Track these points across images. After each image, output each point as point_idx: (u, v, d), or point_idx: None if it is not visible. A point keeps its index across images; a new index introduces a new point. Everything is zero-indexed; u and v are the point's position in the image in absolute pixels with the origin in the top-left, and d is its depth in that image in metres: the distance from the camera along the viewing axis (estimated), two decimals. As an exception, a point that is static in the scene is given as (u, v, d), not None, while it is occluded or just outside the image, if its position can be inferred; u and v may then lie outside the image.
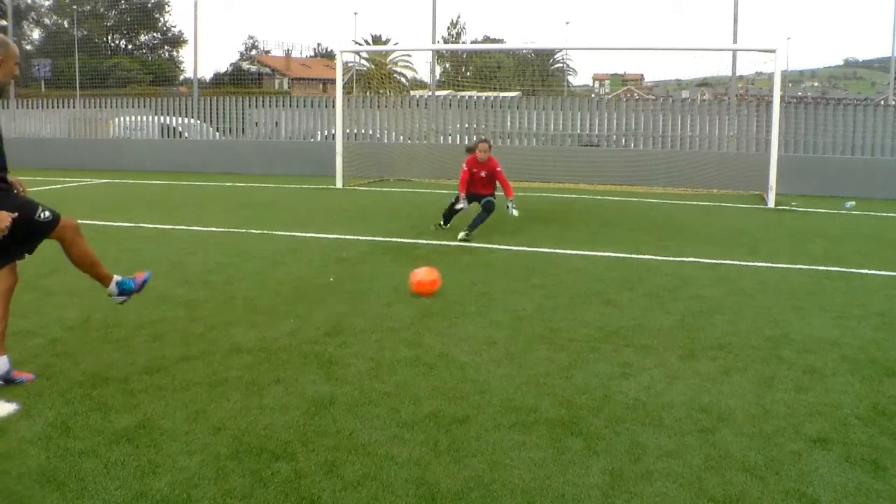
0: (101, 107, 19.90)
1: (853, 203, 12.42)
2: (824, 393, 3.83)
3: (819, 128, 15.17)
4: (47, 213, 3.71)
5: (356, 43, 50.05)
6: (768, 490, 2.83)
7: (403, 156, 16.67)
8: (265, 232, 8.68)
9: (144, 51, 49.50)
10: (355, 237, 8.41)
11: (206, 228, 8.92)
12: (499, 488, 2.81)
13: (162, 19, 50.23)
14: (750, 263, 7.25)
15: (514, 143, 16.87)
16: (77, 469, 2.89)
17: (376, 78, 23.94)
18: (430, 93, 19.05)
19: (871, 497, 2.80)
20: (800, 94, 72.97)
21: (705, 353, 4.44)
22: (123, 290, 4.08)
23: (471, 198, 8.56)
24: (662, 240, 8.60)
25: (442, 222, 8.93)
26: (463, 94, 20.95)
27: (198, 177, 16.23)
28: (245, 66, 50.67)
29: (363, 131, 17.61)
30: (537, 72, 40.96)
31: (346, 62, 20.70)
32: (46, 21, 48.34)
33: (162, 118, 19.35)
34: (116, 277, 4.06)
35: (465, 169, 8.51)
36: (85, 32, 39.90)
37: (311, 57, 58.84)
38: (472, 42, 55.87)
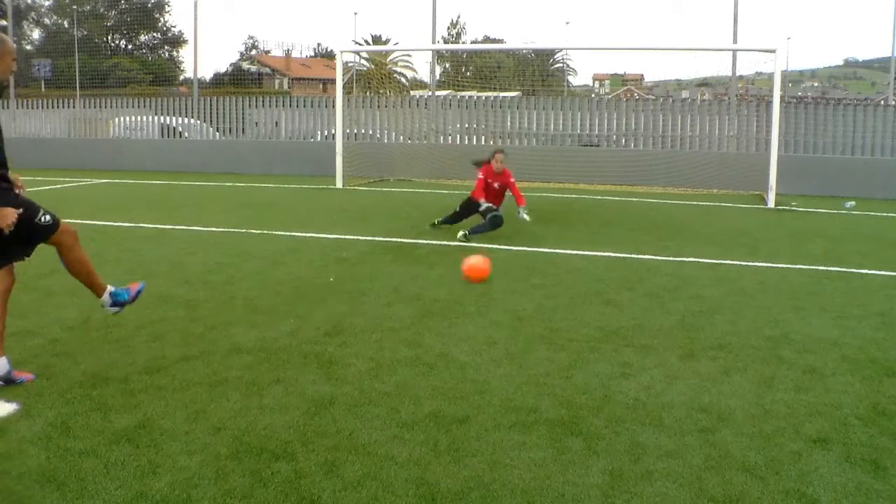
0: (101, 107, 19.91)
1: (853, 203, 12.42)
2: (824, 393, 3.83)
3: (819, 128, 15.17)
4: (48, 217, 3.70)
5: (356, 43, 50.07)
6: (768, 490, 2.83)
7: (403, 156, 16.67)
8: (265, 232, 8.68)
9: (144, 51, 49.51)
10: (355, 237, 8.41)
11: (206, 228, 8.92)
12: (499, 488, 2.81)
13: (162, 19, 50.29)
14: (750, 263, 7.25)
15: (514, 143, 16.86)
16: (77, 469, 2.89)
17: (376, 78, 23.94)
18: (430, 93, 19.05)
19: (871, 497, 2.80)
20: (800, 94, 72.99)
21: (705, 353, 4.44)
22: (117, 301, 4.06)
23: (475, 207, 8.46)
24: (662, 240, 8.60)
25: (437, 221, 8.93)
26: (463, 94, 20.95)
27: (198, 177, 16.23)
28: (245, 66, 50.67)
29: (363, 131, 17.61)
30: (537, 72, 40.97)
31: (346, 62, 20.71)
32: (46, 21, 48.40)
33: (162, 118, 19.35)
34: (110, 288, 4.04)
35: (482, 177, 8.42)
36: (85, 32, 39.91)
37: (311, 57, 58.86)
38: (472, 42, 55.89)
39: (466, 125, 17.22)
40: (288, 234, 8.62)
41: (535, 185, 15.02)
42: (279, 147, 17.93)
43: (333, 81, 15.68)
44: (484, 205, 8.35)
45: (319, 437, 3.21)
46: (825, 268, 7.10)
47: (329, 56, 53.04)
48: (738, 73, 17.77)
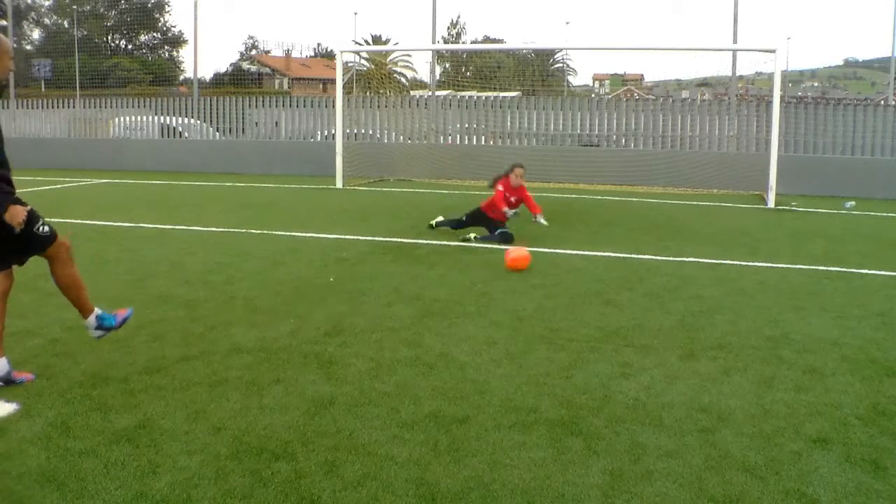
0: (101, 107, 19.91)
1: (853, 203, 12.42)
2: (824, 393, 3.83)
3: (819, 128, 15.17)
4: (46, 228, 3.69)
5: (356, 43, 50.08)
6: (768, 490, 2.83)
7: (403, 156, 16.67)
8: (265, 232, 8.68)
9: (144, 51, 49.52)
10: (355, 237, 8.41)
11: (206, 228, 8.92)
12: (499, 488, 2.81)
13: (162, 19, 50.30)
14: (750, 263, 7.25)
15: (514, 143, 16.87)
16: (77, 469, 2.89)
17: (376, 78, 23.95)
18: (430, 93, 19.06)
19: (871, 497, 2.80)
20: (800, 94, 72.98)
21: (705, 353, 4.44)
22: (102, 325, 3.96)
23: (487, 222, 8.37)
24: (662, 240, 8.61)
25: (434, 223, 8.90)
26: (463, 94, 20.95)
27: (198, 177, 16.24)
28: (245, 66, 50.68)
29: (363, 131, 17.61)
30: (537, 72, 40.96)
31: (346, 62, 20.71)
32: (46, 21, 48.40)
33: (162, 118, 19.36)
34: (97, 311, 3.95)
35: (502, 190, 8.31)
36: (85, 32, 39.92)
37: (311, 57, 58.86)
38: (472, 42, 55.89)
39: (466, 125, 17.22)
40: (288, 234, 8.62)
41: (535, 185, 14.98)
42: (279, 147, 17.94)
43: (333, 81, 15.68)
44: (509, 214, 8.29)
45: (319, 437, 3.21)
46: (825, 268, 7.10)
47: (329, 56, 53.05)
48: (738, 73, 17.79)
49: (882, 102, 18.99)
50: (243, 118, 18.77)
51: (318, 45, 78.66)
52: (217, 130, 19.08)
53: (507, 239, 8.11)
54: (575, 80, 56.83)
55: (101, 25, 42.84)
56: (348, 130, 16.12)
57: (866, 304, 5.69)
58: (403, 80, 38.95)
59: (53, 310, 5.12)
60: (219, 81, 40.62)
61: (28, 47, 41.99)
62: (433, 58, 21.43)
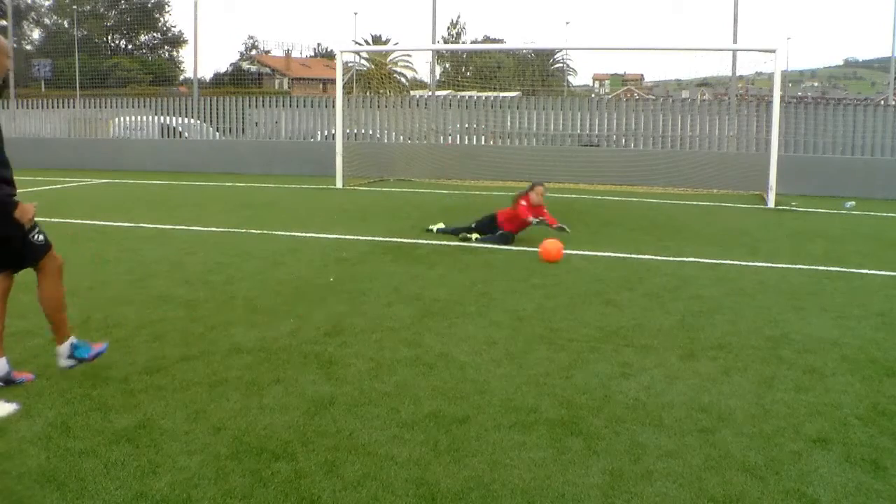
0: (101, 107, 19.91)
1: (853, 203, 12.42)
2: (824, 393, 3.83)
3: (819, 128, 15.17)
4: (41, 237, 3.64)
5: (356, 43, 50.07)
6: (768, 490, 2.83)
7: (403, 156, 16.67)
8: (265, 232, 8.68)
9: (144, 51, 49.52)
10: (355, 237, 8.41)
11: (206, 228, 8.93)
12: (499, 488, 2.81)
13: (162, 19, 50.30)
14: (750, 263, 7.25)
15: (514, 143, 16.88)
16: (77, 469, 2.89)
17: (376, 78, 23.95)
18: (430, 93, 19.06)
19: (871, 497, 2.80)
20: (800, 94, 72.97)
21: (705, 353, 4.44)
22: (74, 355, 3.82)
23: (495, 229, 8.27)
24: (662, 240, 8.61)
25: (435, 229, 8.81)
26: (463, 94, 20.95)
27: (198, 177, 16.24)
28: (245, 66, 50.68)
29: (363, 131, 17.61)
30: (537, 72, 40.97)
31: (346, 62, 20.71)
32: (46, 21, 48.41)
33: (162, 118, 19.36)
34: (73, 339, 3.83)
35: (525, 205, 8.13)
36: (85, 32, 39.92)
37: (311, 57, 58.86)
38: (472, 42, 55.88)
39: (466, 125, 17.22)
40: (288, 234, 8.62)
41: (535, 185, 15.01)
42: (279, 147, 17.94)
43: (333, 81, 15.68)
44: (534, 223, 8.17)
45: (319, 437, 3.21)
46: (825, 268, 7.10)
47: (329, 56, 53.04)
48: (738, 73, 17.79)
49: (882, 102, 18.99)
50: (243, 118, 18.77)
51: (318, 45, 78.69)
52: (217, 130, 19.08)
53: (507, 240, 8.11)
54: (575, 80, 56.86)
55: (101, 25, 42.85)
56: (348, 130, 16.12)
57: (866, 304, 5.69)
58: (403, 80, 38.96)
59: (53, 310, 5.12)
60: (219, 81, 40.63)
61: (28, 47, 42.01)
62: (433, 58, 21.44)
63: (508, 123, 16.95)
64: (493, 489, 2.80)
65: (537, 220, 8.10)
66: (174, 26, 51.86)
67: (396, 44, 49.29)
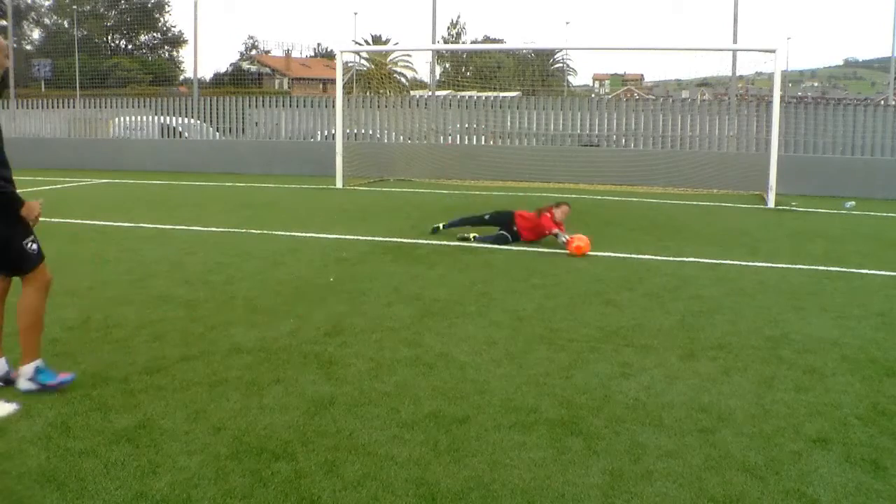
0: (101, 107, 19.92)
1: (853, 203, 12.42)
2: (824, 393, 3.83)
3: (819, 128, 15.18)
4: (35, 247, 3.59)
5: (356, 43, 50.06)
6: (768, 490, 2.83)
7: (403, 156, 16.68)
8: (265, 232, 8.68)
9: (144, 51, 49.50)
10: (355, 237, 8.41)
11: (206, 228, 8.93)
12: (499, 488, 2.81)
13: (162, 19, 50.28)
14: (750, 263, 7.25)
15: (514, 143, 16.88)
16: (77, 469, 2.89)
17: (376, 78, 23.95)
18: (430, 93, 19.06)
19: (871, 497, 2.80)
20: (800, 94, 72.93)
21: (705, 353, 4.44)
22: (37, 379, 3.60)
23: (504, 228, 8.24)
24: (662, 240, 8.61)
25: (442, 225, 8.85)
26: (463, 94, 20.95)
27: (198, 177, 16.24)
28: (245, 66, 50.67)
29: (363, 131, 17.62)
30: (537, 72, 40.98)
31: (346, 62, 20.71)
32: (46, 21, 48.39)
33: (162, 118, 19.36)
34: (39, 363, 3.63)
35: (549, 216, 8.09)
36: (85, 32, 39.91)
37: (311, 57, 58.84)
38: (472, 42, 55.87)
39: (466, 125, 17.22)
40: (288, 234, 8.62)
41: (535, 185, 15.03)
42: (279, 147, 17.94)
43: (333, 81, 15.69)
44: (560, 237, 8.15)
45: (319, 437, 3.21)
46: (825, 268, 7.10)
47: (329, 56, 53.03)
48: (738, 73, 17.79)
49: (882, 102, 18.99)
50: (243, 118, 18.77)
51: (318, 45, 78.64)
52: (217, 130, 19.08)
53: (504, 240, 8.10)
54: (575, 80, 56.83)
55: (101, 25, 42.83)
56: (348, 130, 16.12)
57: (866, 304, 5.69)
58: (403, 80, 38.95)
59: (53, 310, 5.10)
60: (219, 81, 40.62)
61: (28, 47, 41.99)
62: (433, 58, 21.44)
63: (508, 123, 16.95)
64: (493, 489, 2.80)
65: (564, 238, 7.87)
66: (174, 26, 51.89)
67: (396, 44, 49.30)
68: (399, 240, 8.25)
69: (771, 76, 13.65)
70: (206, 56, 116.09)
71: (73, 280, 6.01)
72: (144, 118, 19.63)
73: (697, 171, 14.88)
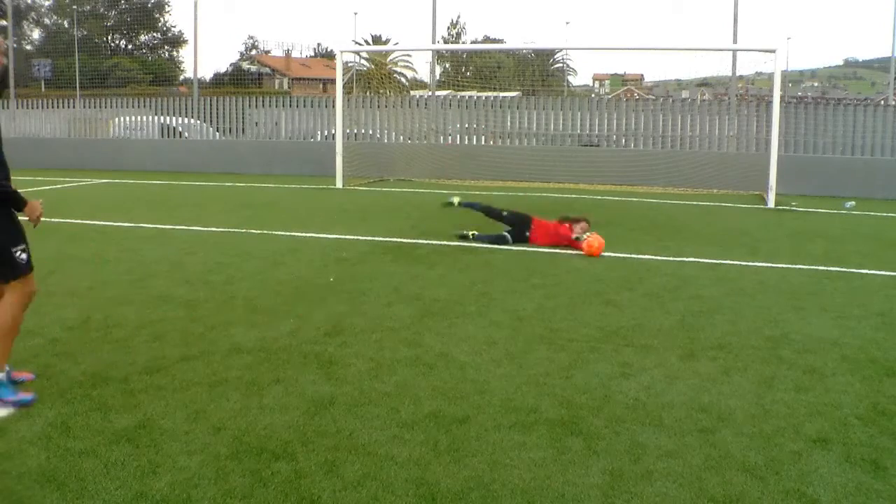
0: (101, 107, 19.91)
1: (853, 203, 12.42)
2: (824, 393, 3.83)
3: (819, 128, 15.17)
4: (24, 256, 3.54)
5: (356, 43, 50.06)
6: (768, 490, 2.83)
7: (403, 156, 16.68)
8: (265, 232, 8.68)
9: (144, 51, 49.49)
10: (355, 237, 8.41)
11: (206, 228, 8.93)
12: (499, 488, 2.81)
13: (162, 19, 50.25)
14: (750, 263, 7.25)
15: (514, 143, 16.88)
16: (77, 469, 2.89)
17: (376, 78, 23.96)
18: (430, 93, 19.06)
19: (871, 497, 2.80)
20: (800, 94, 72.89)
21: (705, 353, 4.44)
22: None
23: (515, 229, 8.21)
24: (662, 240, 8.61)
25: (457, 202, 9.01)
26: (463, 94, 20.95)
27: (198, 177, 16.24)
28: (245, 66, 50.66)
29: (363, 131, 17.62)
30: (537, 72, 40.97)
31: (346, 62, 20.71)
32: (46, 21, 48.38)
33: (162, 118, 19.36)
34: (2, 375, 3.50)
35: (567, 227, 8.03)
36: (85, 32, 39.88)
37: (311, 57, 58.82)
38: (472, 42, 55.85)
39: (466, 125, 17.22)
40: (288, 234, 8.62)
41: (535, 185, 15.03)
42: (279, 147, 17.94)
43: (333, 81, 15.69)
44: (506, 232, 8.17)
45: (319, 437, 3.21)
46: (825, 268, 7.10)
47: (329, 56, 53.00)
48: (738, 73, 17.78)
49: (882, 102, 18.98)
50: (243, 118, 18.77)
51: (318, 45, 78.59)
52: (217, 130, 19.08)
53: (503, 240, 8.09)
54: (575, 80, 56.78)
55: (101, 25, 42.81)
56: (348, 130, 16.12)
57: (866, 304, 5.69)
58: (403, 80, 38.94)
59: (53, 310, 5.12)
60: (219, 81, 40.62)
61: (28, 47, 41.98)
62: (433, 58, 21.43)
63: (508, 123, 16.95)
64: (493, 489, 2.80)
65: (584, 237, 7.79)
66: (174, 26, 51.86)
67: (396, 44, 49.28)
68: (399, 240, 8.25)
69: (771, 76, 13.65)
70: (206, 56, 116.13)
71: (73, 280, 6.01)
72: (144, 118, 19.63)
73: (697, 171, 14.87)
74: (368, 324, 4.94)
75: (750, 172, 14.11)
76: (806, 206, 12.36)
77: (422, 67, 73.73)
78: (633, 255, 7.57)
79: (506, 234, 8.16)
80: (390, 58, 39.32)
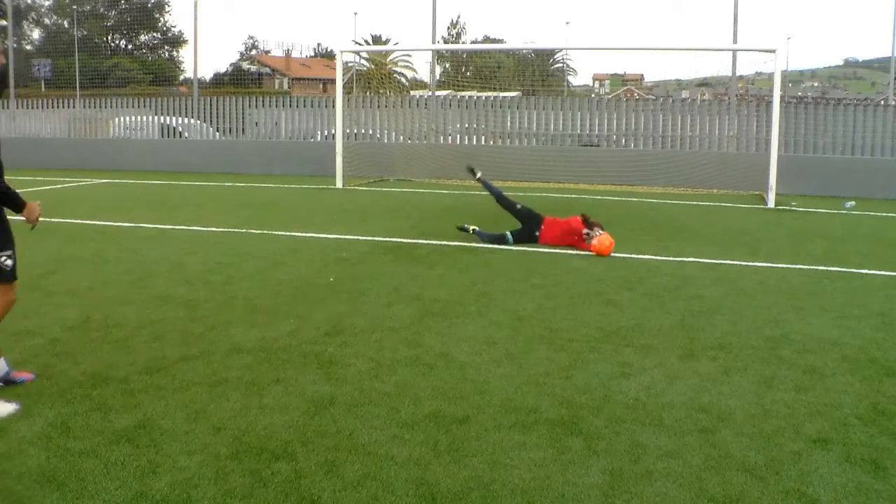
0: (101, 107, 19.91)
1: (853, 203, 12.42)
2: (824, 393, 3.83)
3: (819, 128, 15.17)
4: (10, 263, 3.54)
5: (356, 43, 50.05)
6: (768, 490, 2.83)
7: (403, 156, 16.67)
8: (265, 232, 8.68)
9: (144, 51, 49.48)
10: (355, 237, 8.41)
11: (206, 228, 8.93)
12: (499, 488, 2.81)
13: (162, 19, 50.24)
14: (750, 263, 7.25)
15: (514, 143, 16.88)
16: (77, 469, 2.89)
17: (376, 78, 23.96)
18: (430, 93, 19.06)
19: (871, 497, 2.80)
20: (800, 94, 72.84)
21: (705, 353, 4.44)
22: None
23: (524, 226, 8.21)
24: (662, 240, 8.61)
25: (475, 170, 9.02)
26: (463, 94, 20.95)
27: (198, 177, 16.24)
28: (245, 66, 50.66)
29: (363, 131, 17.61)
30: (537, 72, 40.97)
31: (346, 62, 20.72)
32: (46, 21, 48.38)
33: (162, 118, 19.35)
34: None
35: (581, 219, 7.95)
36: (85, 32, 39.89)
37: (311, 57, 58.81)
38: (472, 42, 55.84)
39: (466, 125, 17.22)
40: (288, 234, 8.62)
41: (535, 185, 15.02)
42: (279, 147, 17.93)
43: (333, 81, 15.68)
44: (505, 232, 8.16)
45: (319, 437, 3.21)
46: (825, 268, 7.10)
47: (329, 56, 53.00)
48: (738, 73, 17.77)
49: (882, 102, 18.98)
50: (243, 118, 18.77)
51: (318, 45, 78.56)
52: (217, 130, 19.08)
53: (503, 240, 8.10)
54: (575, 80, 56.73)
55: (101, 25, 42.81)
56: (348, 130, 16.12)
57: (866, 304, 5.69)
58: (403, 80, 38.94)
59: (53, 310, 5.13)
60: (219, 81, 40.62)
61: (28, 47, 41.99)
62: (433, 58, 21.43)
63: (508, 123, 16.95)
64: (493, 489, 2.80)
65: (595, 234, 7.75)
66: (174, 26, 51.84)
67: (396, 44, 49.27)
68: (399, 240, 8.25)
69: (771, 76, 13.65)
70: (206, 56, 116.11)
71: (73, 280, 6.01)
72: (144, 118, 19.62)
73: (697, 171, 14.87)
74: (368, 324, 4.94)
75: (750, 172, 14.11)
76: (806, 206, 12.36)
77: (422, 67, 73.71)
78: (633, 255, 7.56)
79: (507, 234, 8.15)
80: (390, 58, 39.33)
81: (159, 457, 3.00)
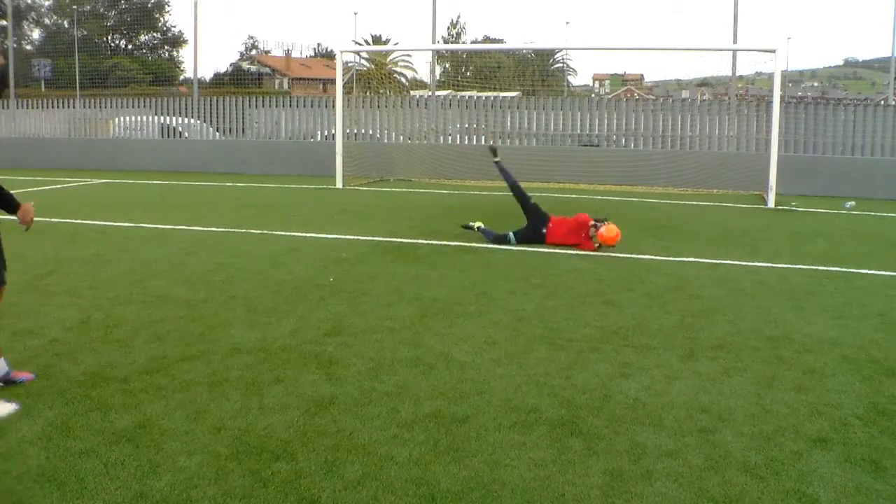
0: (101, 107, 19.91)
1: (853, 203, 12.42)
2: (824, 393, 3.83)
3: (819, 128, 15.17)
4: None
5: (356, 43, 50.04)
6: (768, 490, 2.83)
7: (403, 156, 16.67)
8: (265, 232, 8.68)
9: (144, 51, 49.47)
10: (355, 237, 8.41)
11: (206, 228, 8.93)
12: (499, 488, 2.81)
13: (162, 19, 50.21)
14: (750, 263, 7.25)
15: (514, 143, 16.87)
16: (77, 469, 2.89)
17: (376, 78, 23.94)
18: (430, 93, 19.06)
19: (871, 497, 2.80)
20: (800, 94, 72.76)
21: (705, 353, 4.44)
22: None
23: (534, 228, 8.16)
24: (662, 240, 8.60)
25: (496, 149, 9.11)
26: (463, 94, 20.95)
27: (198, 177, 16.23)
28: (245, 66, 50.65)
29: (363, 131, 17.61)
30: (537, 72, 40.91)
31: (346, 62, 20.71)
32: (46, 21, 48.36)
33: (162, 118, 19.35)
34: None
35: (589, 217, 7.91)
36: (85, 32, 39.88)
37: (311, 57, 58.81)
38: (472, 42, 55.84)
39: (466, 125, 17.21)
40: (288, 234, 8.62)
41: (535, 185, 15.01)
42: (279, 147, 17.93)
43: (333, 81, 15.68)
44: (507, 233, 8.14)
45: (319, 437, 3.21)
46: (825, 268, 7.10)
47: (329, 56, 53.01)
48: (738, 73, 17.75)
49: (882, 102, 18.98)
50: (243, 118, 18.77)
51: (318, 45, 78.50)
52: (217, 130, 19.08)
53: (504, 241, 8.09)
54: (575, 80, 56.63)
55: (101, 25, 42.81)
56: (348, 130, 16.12)
57: (866, 304, 5.69)
58: (403, 80, 38.92)
59: (53, 310, 5.13)
60: (219, 81, 40.59)
61: (28, 47, 41.98)
62: (433, 58, 21.44)
63: (508, 123, 16.94)
64: (493, 489, 2.80)
65: (601, 226, 7.74)
66: (174, 26, 51.80)
67: (396, 44, 49.28)
68: (399, 240, 8.25)
69: (771, 76, 13.64)
70: (206, 56, 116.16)
71: (73, 280, 6.01)
72: (144, 118, 19.62)
73: (697, 171, 14.86)
74: (368, 324, 4.94)
75: (750, 172, 14.10)
76: (806, 206, 12.36)
77: (422, 67, 73.66)
78: (633, 255, 7.56)
79: (510, 234, 8.15)
80: (390, 58, 39.34)
81: (159, 457, 3.00)
